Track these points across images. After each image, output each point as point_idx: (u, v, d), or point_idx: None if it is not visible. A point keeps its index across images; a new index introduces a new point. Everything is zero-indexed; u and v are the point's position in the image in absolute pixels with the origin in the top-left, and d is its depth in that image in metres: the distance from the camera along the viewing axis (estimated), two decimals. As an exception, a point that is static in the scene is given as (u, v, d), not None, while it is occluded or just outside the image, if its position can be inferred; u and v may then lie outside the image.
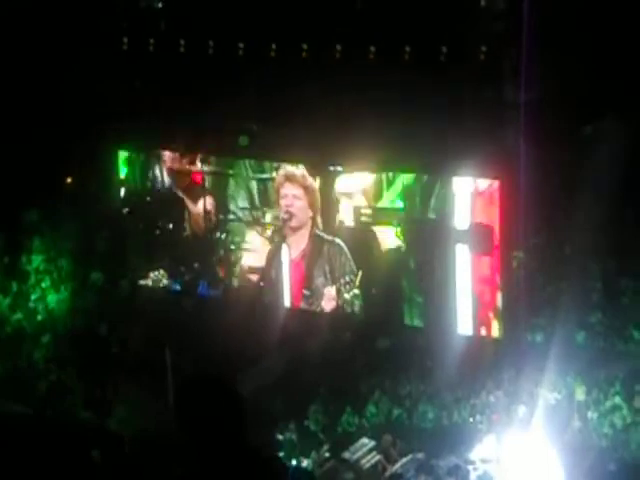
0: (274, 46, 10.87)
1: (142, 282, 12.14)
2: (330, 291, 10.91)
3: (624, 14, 9.14)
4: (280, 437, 10.43)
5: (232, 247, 11.55)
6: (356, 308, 10.88)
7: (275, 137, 10.93)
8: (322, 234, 10.99)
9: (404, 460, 10.04)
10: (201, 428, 4.61)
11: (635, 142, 9.16)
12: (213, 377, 4.85)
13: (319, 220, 11.00)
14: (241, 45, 11.04)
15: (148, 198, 12.05)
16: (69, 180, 12.95)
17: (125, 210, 12.22)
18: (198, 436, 4.62)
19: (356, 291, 10.71)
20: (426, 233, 10.33)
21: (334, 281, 10.93)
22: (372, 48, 10.37)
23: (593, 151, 9.33)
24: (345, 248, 10.83)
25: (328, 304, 10.96)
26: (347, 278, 10.77)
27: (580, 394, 10.15)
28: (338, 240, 10.87)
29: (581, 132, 9.73)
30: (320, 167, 10.96)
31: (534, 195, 9.42)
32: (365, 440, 10.33)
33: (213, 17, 11.19)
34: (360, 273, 10.65)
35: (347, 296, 10.76)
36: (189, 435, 4.61)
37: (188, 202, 11.80)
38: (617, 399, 10.03)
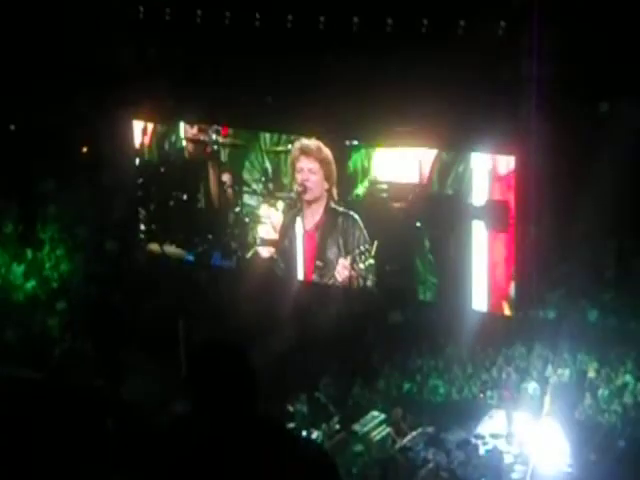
0: (291, 17, 10.84)
1: (156, 252, 12.20)
2: (344, 262, 10.91)
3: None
4: (291, 408, 10.48)
5: (246, 219, 11.56)
6: (369, 282, 10.89)
7: (292, 109, 10.91)
8: (337, 207, 10.98)
9: (414, 433, 10.08)
10: (212, 395, 4.63)
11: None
12: (226, 344, 4.87)
13: (335, 193, 11.00)
14: (257, 16, 11.01)
15: (162, 169, 12.07)
16: (84, 149, 12.98)
17: (139, 180, 12.25)
18: (209, 403, 4.64)
19: (371, 261, 10.70)
20: (442, 209, 10.30)
21: (347, 253, 10.94)
22: (389, 21, 10.31)
23: (609, 129, 9.28)
24: (360, 221, 10.82)
25: (341, 274, 10.97)
26: (362, 248, 10.75)
27: (591, 372, 10.16)
28: (352, 213, 10.86)
29: (597, 110, 9.67)
30: (337, 140, 10.93)
31: (549, 172, 9.38)
32: (375, 413, 10.38)
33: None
34: (376, 243, 10.63)
35: (362, 266, 10.76)
36: (200, 402, 4.63)
37: (202, 174, 11.81)
38: (628, 377, 10.04)
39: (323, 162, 10.92)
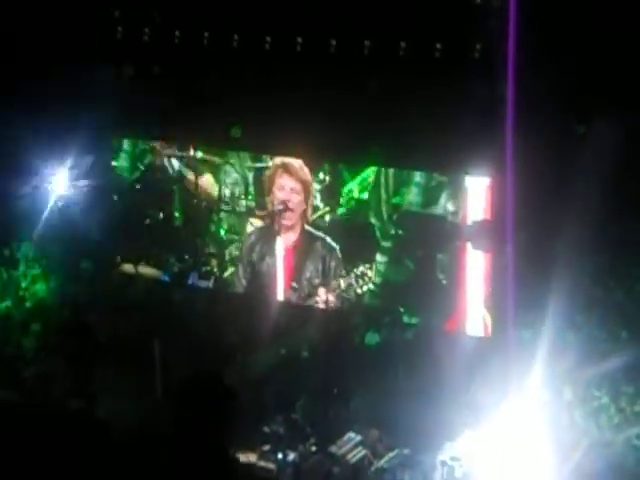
0: (269, 39, 10.86)
1: (130, 272, 12.11)
2: (321, 289, 10.87)
3: (619, 12, 9.15)
4: (267, 430, 10.42)
5: (224, 238, 11.51)
6: (353, 305, 10.87)
7: (271, 132, 10.88)
8: (312, 229, 10.94)
9: (390, 455, 10.05)
10: (187, 425, 4.63)
11: (628, 140, 9.18)
12: (208, 376, 4.87)
13: (309, 214, 10.96)
14: (235, 37, 11.03)
15: (137, 186, 12.01)
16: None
17: (114, 198, 12.18)
18: (184, 432, 4.65)
19: (371, 286, 10.65)
20: (423, 229, 10.33)
21: (325, 277, 10.90)
22: (367, 42, 10.36)
23: (586, 149, 9.35)
24: (335, 246, 10.80)
25: (323, 300, 10.93)
26: (358, 272, 10.68)
27: (568, 393, 10.18)
28: (329, 239, 10.82)
29: (575, 130, 9.75)
30: (317, 162, 10.90)
31: (525, 192, 9.43)
32: (352, 434, 10.34)
33: (207, 9, 11.16)
34: (374, 267, 10.58)
35: (358, 291, 10.70)
36: (176, 429, 4.64)
37: (179, 192, 11.76)
38: (605, 399, 10.06)
39: (305, 182, 10.86)
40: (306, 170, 10.85)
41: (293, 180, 10.87)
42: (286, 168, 10.88)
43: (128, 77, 11.70)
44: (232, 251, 11.51)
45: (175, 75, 11.44)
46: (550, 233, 9.67)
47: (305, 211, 10.95)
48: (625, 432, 9.88)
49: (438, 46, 9.97)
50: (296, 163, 10.86)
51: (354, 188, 10.65)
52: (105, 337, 11.80)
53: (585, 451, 9.72)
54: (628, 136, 9.18)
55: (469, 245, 10.05)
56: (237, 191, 11.37)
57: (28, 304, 12.45)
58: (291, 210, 10.87)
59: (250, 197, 11.30)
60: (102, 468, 5.99)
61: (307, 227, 10.97)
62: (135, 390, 10.55)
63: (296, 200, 10.89)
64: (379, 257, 10.60)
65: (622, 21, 9.09)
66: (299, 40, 10.69)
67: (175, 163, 11.74)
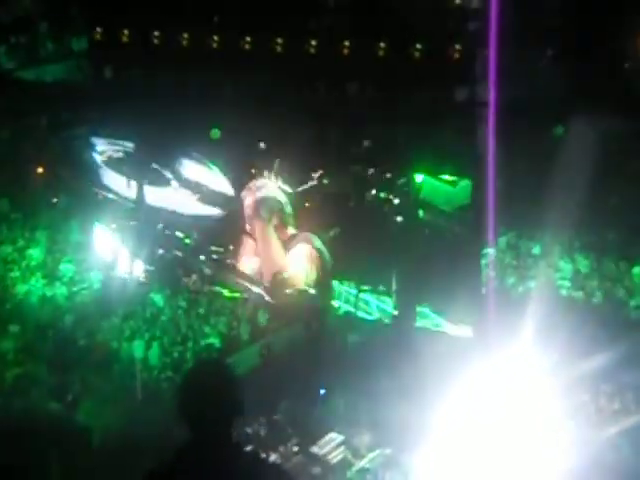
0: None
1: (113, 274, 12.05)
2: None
3: (595, 15, 9.21)
4: (249, 430, 10.42)
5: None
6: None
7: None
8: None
9: (371, 455, 10.07)
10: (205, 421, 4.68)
11: (604, 143, 9.25)
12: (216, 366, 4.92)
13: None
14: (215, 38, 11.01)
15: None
16: (40, 169, 12.86)
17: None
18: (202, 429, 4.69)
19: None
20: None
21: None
22: (347, 43, 10.36)
23: (563, 152, 9.41)
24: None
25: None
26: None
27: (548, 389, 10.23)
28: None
29: (551, 133, 9.81)
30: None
31: (505, 195, 9.47)
32: (333, 435, 10.35)
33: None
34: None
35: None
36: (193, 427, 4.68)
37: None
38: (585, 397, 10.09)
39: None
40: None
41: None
42: None
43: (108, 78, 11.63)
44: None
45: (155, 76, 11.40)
46: (529, 235, 9.67)
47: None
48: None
49: (417, 47, 9.99)
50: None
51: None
52: (85, 340, 11.79)
53: (565, 448, 9.74)
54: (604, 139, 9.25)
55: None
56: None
57: (7, 306, 12.40)
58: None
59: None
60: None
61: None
62: (115, 393, 10.53)
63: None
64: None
65: (600, 26, 9.16)
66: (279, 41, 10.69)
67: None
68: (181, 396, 4.76)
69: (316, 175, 9.58)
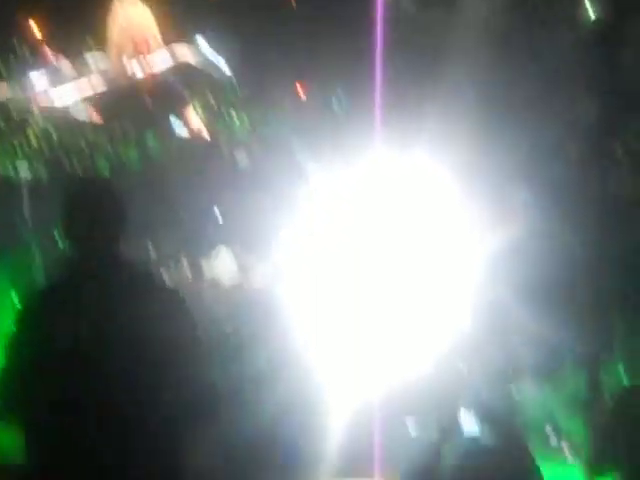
0: None
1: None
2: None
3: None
4: (138, 250, 10.45)
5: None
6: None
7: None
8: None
9: (263, 271, 10.23)
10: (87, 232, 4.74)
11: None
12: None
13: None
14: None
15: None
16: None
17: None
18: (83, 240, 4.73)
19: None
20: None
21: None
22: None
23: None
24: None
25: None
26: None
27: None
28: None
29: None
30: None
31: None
32: (223, 251, 10.49)
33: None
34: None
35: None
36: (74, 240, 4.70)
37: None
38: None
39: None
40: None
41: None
42: None
43: None
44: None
45: None
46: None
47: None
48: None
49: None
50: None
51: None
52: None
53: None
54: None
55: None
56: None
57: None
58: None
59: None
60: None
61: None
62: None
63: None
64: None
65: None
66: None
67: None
68: (65, 213, 4.76)
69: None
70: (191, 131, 10.67)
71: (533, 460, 4.42)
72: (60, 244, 7.99)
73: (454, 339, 8.11)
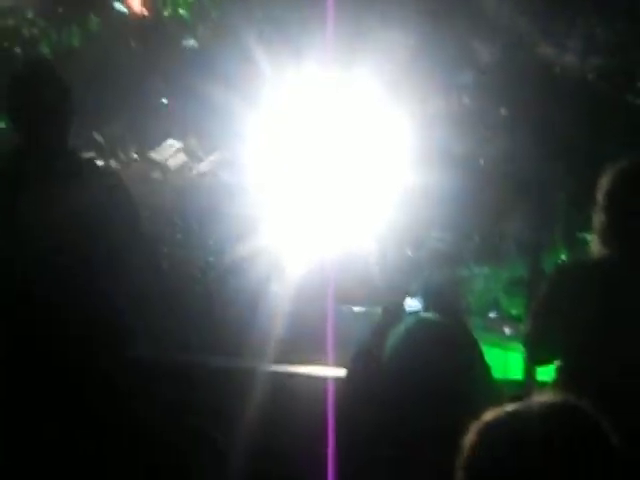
0: None
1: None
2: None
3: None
4: (86, 139, 10.39)
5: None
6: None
7: None
8: None
9: (211, 159, 10.28)
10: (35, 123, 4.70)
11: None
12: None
13: None
14: None
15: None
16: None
17: None
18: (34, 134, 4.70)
19: None
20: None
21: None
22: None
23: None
24: None
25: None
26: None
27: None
28: None
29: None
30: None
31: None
32: (171, 141, 10.48)
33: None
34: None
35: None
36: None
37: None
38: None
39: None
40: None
41: None
42: None
43: None
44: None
45: None
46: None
47: None
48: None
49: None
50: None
51: None
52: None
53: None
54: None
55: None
56: None
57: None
58: None
59: None
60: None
61: None
62: None
63: None
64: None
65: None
66: None
67: None
68: (13, 97, 4.70)
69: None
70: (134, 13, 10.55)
71: (475, 339, 4.60)
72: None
73: (401, 227, 8.23)
